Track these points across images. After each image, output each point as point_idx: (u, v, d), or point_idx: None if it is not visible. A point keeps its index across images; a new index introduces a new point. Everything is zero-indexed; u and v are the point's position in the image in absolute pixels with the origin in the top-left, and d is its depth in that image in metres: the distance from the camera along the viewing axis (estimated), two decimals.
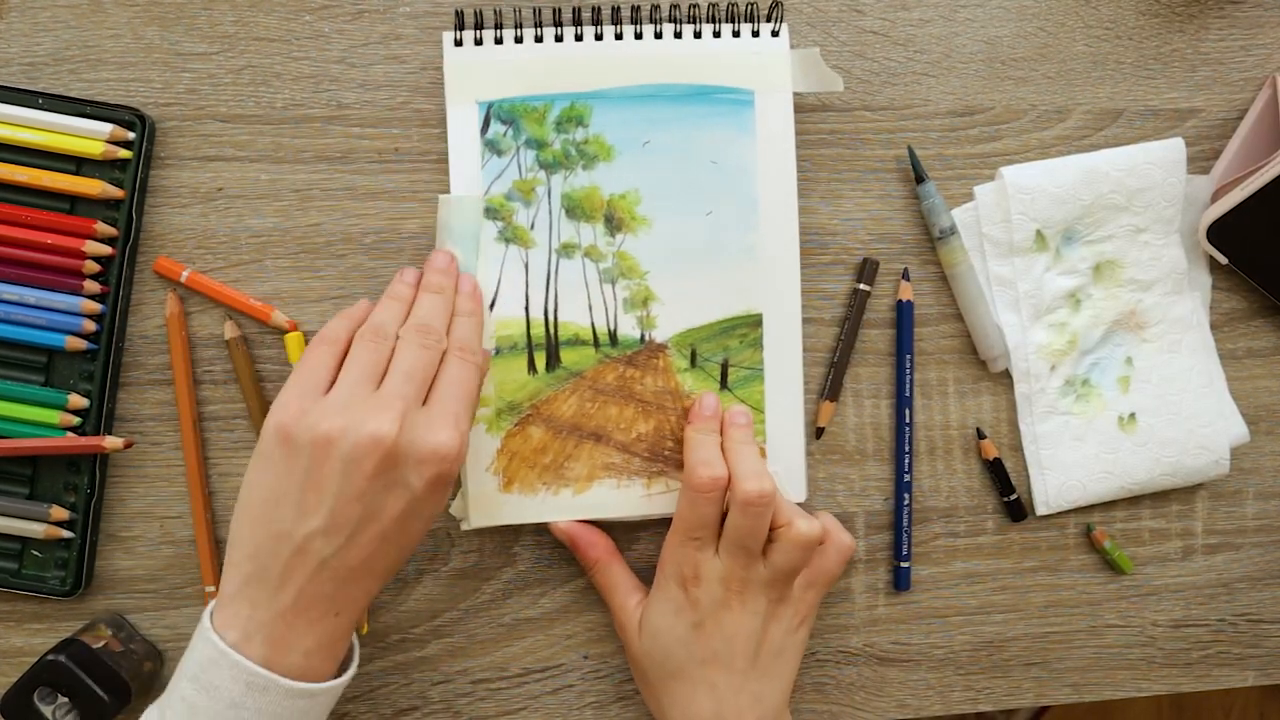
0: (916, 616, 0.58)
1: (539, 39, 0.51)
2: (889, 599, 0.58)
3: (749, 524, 0.49)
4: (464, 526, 0.53)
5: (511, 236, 0.52)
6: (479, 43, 0.51)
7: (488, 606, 0.55)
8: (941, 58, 0.56)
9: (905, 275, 0.56)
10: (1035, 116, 0.57)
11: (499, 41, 0.51)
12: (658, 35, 0.52)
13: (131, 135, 0.50)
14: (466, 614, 0.55)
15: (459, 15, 0.51)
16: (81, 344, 0.50)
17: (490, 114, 0.51)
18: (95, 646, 0.49)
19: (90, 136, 0.49)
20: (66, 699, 0.47)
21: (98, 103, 0.50)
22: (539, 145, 0.52)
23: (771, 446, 0.54)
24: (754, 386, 0.54)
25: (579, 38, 0.52)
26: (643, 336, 0.53)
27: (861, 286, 0.56)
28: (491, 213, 0.52)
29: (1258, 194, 0.55)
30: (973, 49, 0.56)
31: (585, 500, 0.53)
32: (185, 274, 0.51)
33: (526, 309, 0.52)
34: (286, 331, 0.52)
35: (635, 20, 0.52)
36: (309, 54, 0.52)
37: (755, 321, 0.54)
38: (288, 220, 0.52)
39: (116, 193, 0.50)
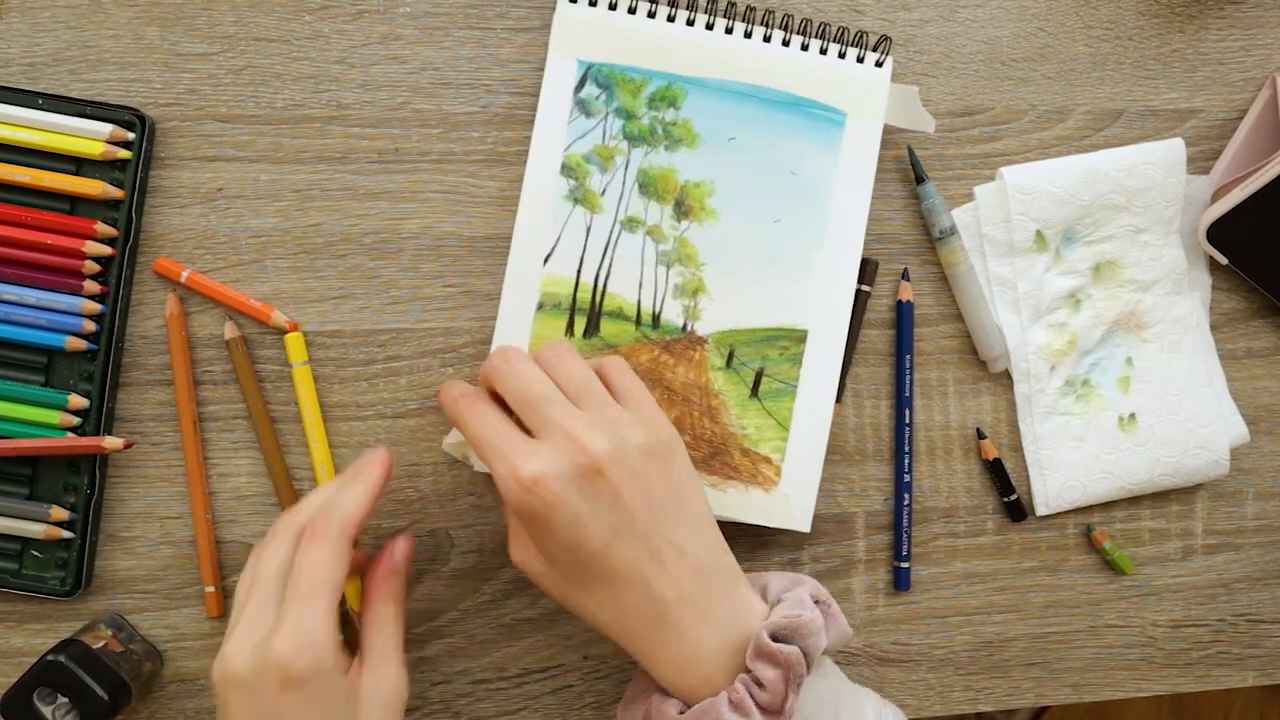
0: (916, 617, 0.58)
1: (652, 15, 0.52)
2: (889, 599, 0.58)
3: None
4: (475, 466, 0.52)
5: (581, 198, 0.52)
6: (593, 4, 0.52)
7: (487, 607, 0.55)
8: (941, 58, 0.56)
9: (905, 275, 0.56)
10: (1035, 116, 0.57)
11: (612, 8, 0.52)
12: (766, 39, 0.52)
13: (131, 135, 0.50)
14: (466, 614, 0.55)
15: None
16: (81, 344, 0.50)
17: (588, 75, 0.52)
18: (95, 647, 0.49)
19: (90, 137, 0.49)
20: (66, 699, 0.47)
21: (98, 103, 0.50)
22: (628, 116, 0.52)
23: (788, 466, 0.53)
24: (783, 401, 0.53)
25: (690, 23, 0.52)
26: (685, 325, 0.53)
27: (861, 287, 0.56)
28: (567, 171, 0.52)
29: (1257, 194, 0.55)
30: (973, 49, 0.56)
31: None
32: (185, 274, 0.51)
33: (579, 271, 0.52)
34: (286, 332, 0.52)
35: (748, 19, 0.52)
36: (309, 54, 0.52)
37: (800, 337, 0.53)
38: (288, 220, 0.52)
39: (116, 193, 0.50)
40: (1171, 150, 0.57)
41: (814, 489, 0.54)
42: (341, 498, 0.44)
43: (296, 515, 0.44)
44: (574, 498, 0.41)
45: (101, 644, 0.49)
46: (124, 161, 0.50)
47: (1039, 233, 0.56)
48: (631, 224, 0.52)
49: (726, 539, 0.46)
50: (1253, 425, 0.60)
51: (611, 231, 0.52)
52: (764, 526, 0.54)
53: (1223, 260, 0.58)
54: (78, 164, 0.50)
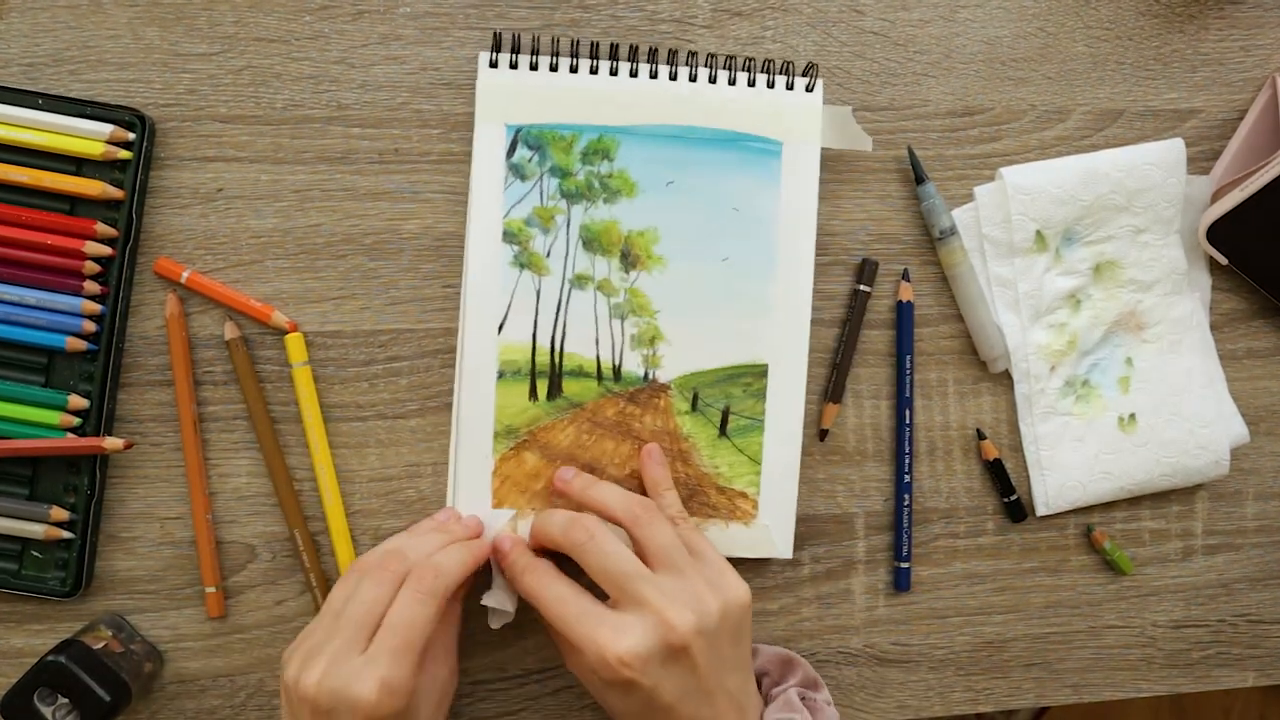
0: (917, 617, 0.58)
1: (574, 69, 0.52)
2: (889, 599, 0.58)
3: None
4: (494, 624, 0.52)
5: (526, 262, 0.52)
6: (514, 66, 0.52)
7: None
8: (941, 58, 0.56)
9: (905, 276, 0.56)
10: (1035, 117, 0.57)
11: (534, 68, 0.52)
12: (692, 79, 0.52)
13: (131, 136, 0.50)
14: (467, 614, 0.55)
15: (496, 37, 0.51)
16: (81, 344, 0.50)
17: (518, 138, 0.52)
18: (95, 647, 0.49)
19: (90, 137, 0.49)
20: (66, 700, 0.47)
21: (98, 103, 0.50)
22: (563, 174, 0.52)
23: (764, 500, 0.54)
24: (753, 437, 0.54)
25: (614, 72, 0.52)
26: (646, 375, 0.53)
27: (862, 287, 0.56)
28: (509, 237, 0.52)
29: (1257, 195, 0.55)
30: (973, 49, 0.56)
31: None
32: (185, 274, 0.51)
33: (534, 335, 0.52)
34: (286, 332, 0.52)
35: (671, 62, 0.53)
36: (309, 54, 0.52)
37: (760, 372, 0.54)
38: (288, 221, 0.52)
39: (116, 193, 0.50)
40: (1171, 150, 0.57)
41: (791, 516, 0.55)
42: (447, 559, 0.46)
43: (400, 560, 0.46)
44: (657, 671, 0.44)
45: (102, 644, 0.49)
46: (124, 162, 0.50)
47: (1039, 233, 0.56)
48: (581, 281, 0.52)
49: None
50: (1253, 425, 0.60)
51: (562, 291, 0.52)
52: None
53: (1222, 260, 0.58)
54: (78, 164, 0.50)
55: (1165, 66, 0.58)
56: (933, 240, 0.56)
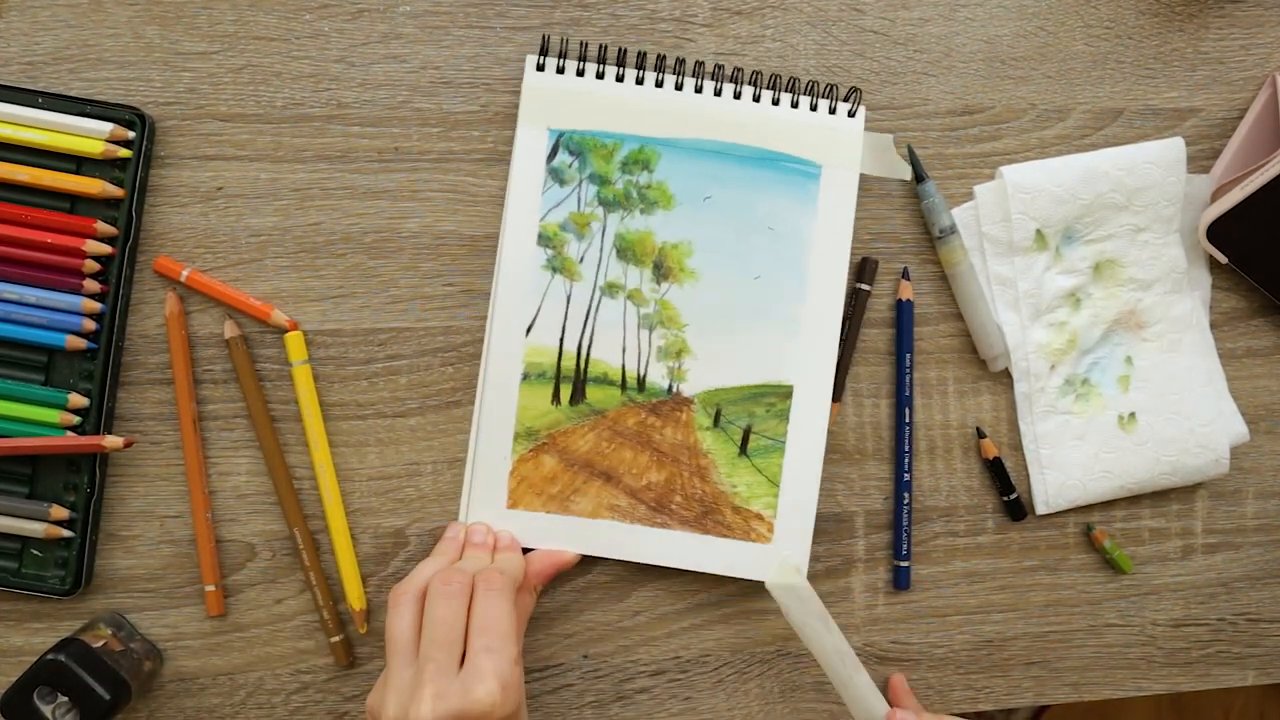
0: (916, 616, 0.58)
1: (620, 78, 0.52)
2: (889, 598, 0.58)
3: None
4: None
5: (559, 267, 0.52)
6: (560, 71, 0.52)
7: None
8: (941, 57, 0.56)
9: (905, 274, 0.56)
10: (1035, 116, 0.57)
11: (580, 74, 0.52)
12: (736, 95, 0.52)
13: (131, 134, 0.50)
14: None
15: (545, 40, 0.51)
16: (81, 343, 0.50)
17: (559, 143, 0.52)
18: (95, 646, 0.49)
19: (90, 136, 0.49)
20: (66, 698, 0.47)
21: (98, 102, 0.50)
22: (602, 181, 0.52)
23: (781, 522, 0.54)
24: (773, 458, 0.54)
25: (659, 84, 0.52)
26: (670, 387, 0.53)
27: (861, 286, 0.56)
28: (544, 240, 0.52)
29: (1257, 193, 0.55)
30: (973, 48, 0.56)
31: (585, 531, 0.53)
32: (185, 273, 0.51)
33: (561, 340, 0.52)
34: (286, 330, 0.52)
35: (717, 78, 0.52)
36: (309, 53, 0.52)
37: (785, 393, 0.54)
38: (288, 220, 0.52)
39: (116, 192, 0.50)
40: (1171, 149, 0.57)
41: (808, 541, 0.54)
42: (504, 561, 0.50)
43: (462, 574, 0.47)
44: None
45: (101, 643, 0.49)
46: (124, 160, 0.50)
47: (1039, 232, 0.56)
48: (611, 289, 0.53)
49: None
50: (1253, 424, 0.60)
51: (592, 298, 0.52)
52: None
53: (1222, 259, 0.58)
54: (78, 163, 0.50)
55: (1165, 65, 0.58)
56: (932, 239, 0.56)
